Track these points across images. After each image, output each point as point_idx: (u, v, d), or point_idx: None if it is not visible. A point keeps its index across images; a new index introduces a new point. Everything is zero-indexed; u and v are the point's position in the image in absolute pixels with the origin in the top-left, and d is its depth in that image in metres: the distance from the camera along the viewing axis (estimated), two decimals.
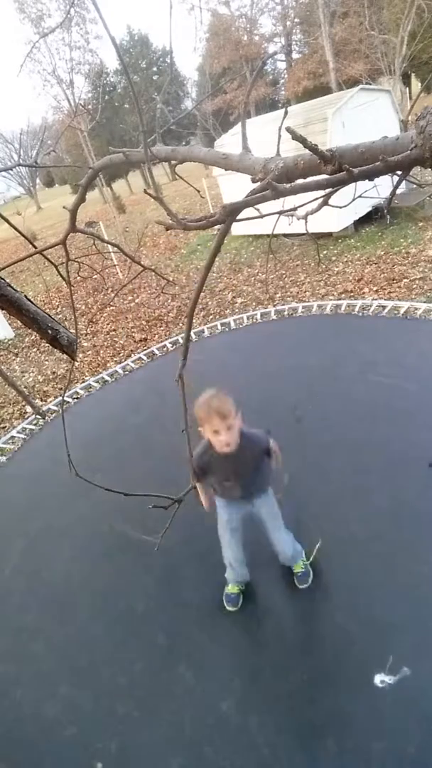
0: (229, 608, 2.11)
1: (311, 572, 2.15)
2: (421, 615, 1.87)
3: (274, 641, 1.96)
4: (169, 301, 6.69)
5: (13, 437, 3.99)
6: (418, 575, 2.01)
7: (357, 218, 7.08)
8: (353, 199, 0.74)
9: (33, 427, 4.08)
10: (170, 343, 5.09)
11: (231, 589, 2.16)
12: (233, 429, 1.72)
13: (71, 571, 2.52)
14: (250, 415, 3.25)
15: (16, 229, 0.71)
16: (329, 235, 7.09)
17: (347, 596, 2.03)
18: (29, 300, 0.73)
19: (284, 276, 6.27)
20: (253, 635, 1.98)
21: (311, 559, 2.18)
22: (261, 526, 2.07)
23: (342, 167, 0.55)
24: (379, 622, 1.89)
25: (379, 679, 1.69)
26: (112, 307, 7.12)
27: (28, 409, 4.49)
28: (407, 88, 18.15)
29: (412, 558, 2.09)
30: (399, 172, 0.56)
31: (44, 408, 4.48)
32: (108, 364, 5.13)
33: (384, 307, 4.33)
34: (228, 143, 7.91)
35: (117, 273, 8.66)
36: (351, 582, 2.08)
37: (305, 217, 0.71)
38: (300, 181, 0.61)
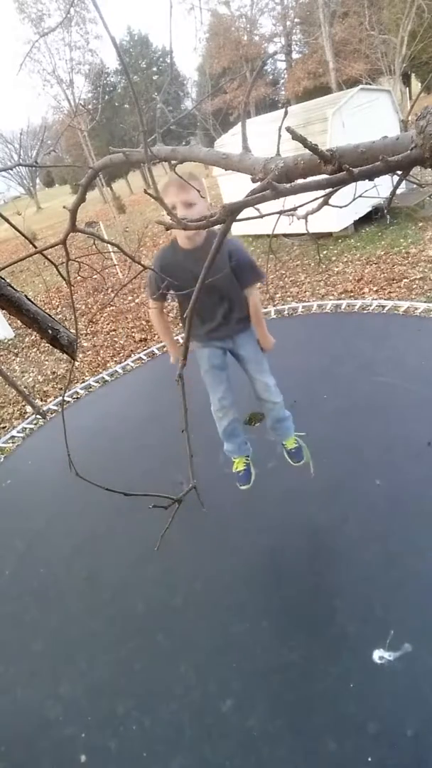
0: (242, 487, 2.05)
1: (305, 448, 2.04)
2: (423, 590, 1.89)
3: (270, 621, 1.96)
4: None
5: (13, 437, 3.99)
6: (420, 554, 2.02)
7: (357, 218, 7.08)
8: (353, 199, 0.74)
9: (33, 426, 4.08)
10: None
11: (237, 466, 2.08)
12: (195, 209, 1.56)
13: (71, 571, 2.52)
14: (250, 413, 3.21)
15: (16, 228, 0.71)
16: (329, 235, 7.09)
17: (346, 570, 2.03)
18: (29, 300, 0.73)
19: (284, 276, 6.27)
20: (250, 621, 1.98)
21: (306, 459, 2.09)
22: (244, 370, 1.94)
23: (342, 167, 0.55)
24: (380, 597, 1.90)
25: (378, 655, 1.68)
26: (112, 307, 7.12)
27: (28, 409, 4.49)
28: (407, 88, 18.14)
29: (415, 537, 2.09)
30: (399, 172, 0.56)
31: (44, 408, 4.48)
32: (108, 364, 5.13)
33: (384, 306, 4.33)
34: (228, 143, 7.91)
35: (117, 273, 8.66)
36: (350, 557, 2.09)
37: (305, 217, 0.71)
38: (300, 181, 0.61)
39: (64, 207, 0.72)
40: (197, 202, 1.57)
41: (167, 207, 0.65)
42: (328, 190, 0.62)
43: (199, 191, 1.55)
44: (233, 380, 2.02)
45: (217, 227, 0.63)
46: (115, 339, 5.90)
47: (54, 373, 5.44)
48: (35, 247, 0.68)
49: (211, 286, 1.60)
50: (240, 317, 1.83)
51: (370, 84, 14.92)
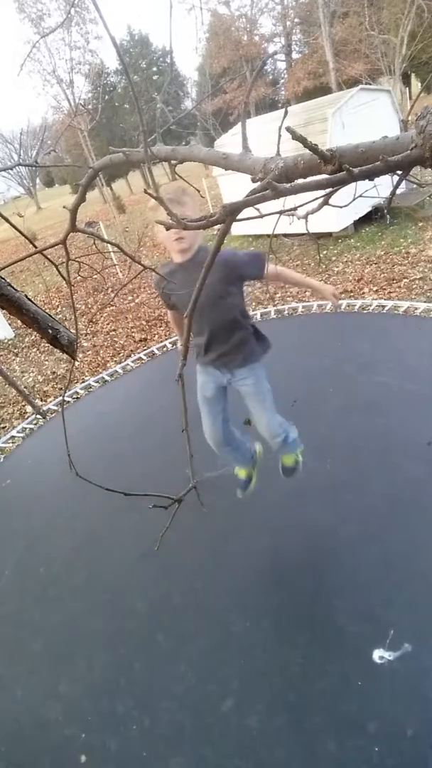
0: (238, 494, 2.02)
1: (300, 470, 1.98)
2: (423, 590, 1.89)
3: (270, 621, 1.96)
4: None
5: (13, 437, 3.99)
6: (420, 554, 2.02)
7: (357, 218, 7.08)
8: (353, 199, 0.74)
9: (33, 426, 4.08)
10: (170, 343, 5.09)
11: (238, 472, 2.03)
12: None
13: (71, 571, 2.52)
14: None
15: (16, 228, 0.71)
16: (329, 235, 7.09)
17: (346, 570, 2.04)
18: (29, 300, 0.73)
19: None
20: (250, 621, 1.98)
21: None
22: (245, 405, 1.83)
23: (342, 167, 0.55)
24: (380, 597, 1.90)
25: (379, 655, 1.68)
26: (112, 307, 7.12)
27: (28, 408, 4.49)
28: (407, 88, 18.15)
29: (415, 535, 2.10)
30: (399, 172, 0.56)
31: (44, 408, 4.48)
32: (108, 364, 5.13)
33: (384, 306, 4.33)
34: (228, 143, 7.91)
35: (117, 273, 8.66)
36: (350, 557, 2.09)
37: (305, 217, 0.71)
38: (300, 180, 0.61)
39: (64, 207, 0.72)
40: (190, 217, 1.55)
41: (167, 207, 0.65)
42: (328, 190, 0.62)
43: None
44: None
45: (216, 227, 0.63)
46: (115, 339, 5.91)
47: (54, 373, 5.44)
48: (35, 247, 0.68)
49: (211, 313, 1.60)
50: (240, 350, 1.72)
51: (370, 84, 14.91)
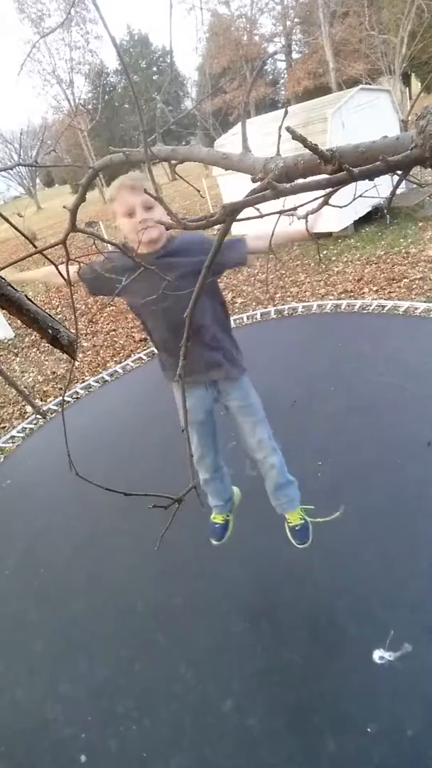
0: (213, 541, 1.89)
1: (310, 528, 1.74)
2: (423, 590, 1.89)
3: (269, 620, 1.98)
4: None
5: (13, 437, 3.99)
6: (420, 554, 2.02)
7: (357, 218, 7.08)
8: (353, 199, 0.74)
9: (33, 426, 4.08)
10: None
11: (214, 517, 1.93)
12: (155, 211, 1.30)
13: (71, 571, 2.52)
14: None
15: (16, 228, 0.71)
16: (329, 235, 7.08)
17: (346, 570, 2.04)
18: (29, 300, 0.72)
19: (284, 276, 6.27)
20: (250, 621, 1.98)
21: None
22: (235, 427, 1.62)
23: (342, 167, 0.55)
24: (380, 597, 1.90)
25: (379, 655, 1.68)
26: (112, 307, 7.12)
27: (28, 408, 4.49)
28: (407, 88, 18.13)
29: (415, 532, 2.10)
30: (399, 172, 0.56)
31: (44, 408, 4.48)
32: (108, 364, 5.12)
33: (384, 306, 4.33)
34: (228, 143, 7.90)
35: None
36: (350, 557, 2.09)
37: (305, 217, 0.71)
38: (300, 180, 0.61)
39: (64, 207, 0.72)
40: (155, 204, 1.32)
41: (167, 207, 0.65)
42: (328, 190, 0.62)
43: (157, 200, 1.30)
44: None
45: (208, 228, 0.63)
46: (115, 339, 5.90)
47: (54, 373, 5.44)
48: (35, 247, 0.68)
49: (181, 316, 1.31)
50: (223, 358, 1.50)
51: (370, 84, 14.90)
